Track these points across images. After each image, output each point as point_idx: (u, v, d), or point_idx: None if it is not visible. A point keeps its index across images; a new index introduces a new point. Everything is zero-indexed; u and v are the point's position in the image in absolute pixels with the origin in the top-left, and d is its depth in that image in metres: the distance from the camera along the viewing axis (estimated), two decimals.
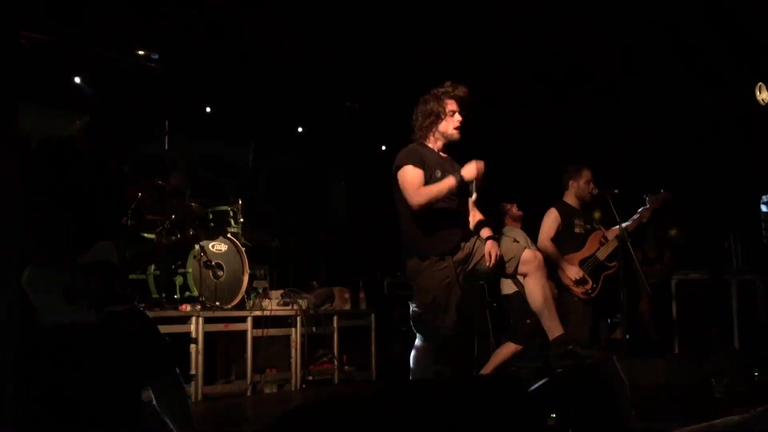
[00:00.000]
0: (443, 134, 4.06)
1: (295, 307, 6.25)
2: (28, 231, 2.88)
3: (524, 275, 4.03)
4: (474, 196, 4.03)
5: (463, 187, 3.92)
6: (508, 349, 5.49)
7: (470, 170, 3.89)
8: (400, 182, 3.93)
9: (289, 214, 7.97)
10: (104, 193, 3.16)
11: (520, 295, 5.58)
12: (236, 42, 6.50)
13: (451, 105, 4.03)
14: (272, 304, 6.15)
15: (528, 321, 5.49)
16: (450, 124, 4.03)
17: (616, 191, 5.47)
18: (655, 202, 5.56)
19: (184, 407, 3.15)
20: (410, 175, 3.92)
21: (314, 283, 6.82)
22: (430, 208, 3.92)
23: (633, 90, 7.52)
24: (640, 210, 5.57)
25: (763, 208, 7.33)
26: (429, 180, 3.95)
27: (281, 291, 6.39)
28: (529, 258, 4.01)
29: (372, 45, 6.69)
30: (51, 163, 3.06)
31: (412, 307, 4.03)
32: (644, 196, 5.61)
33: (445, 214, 3.99)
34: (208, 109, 7.52)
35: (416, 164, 3.94)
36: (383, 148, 9.09)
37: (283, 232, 7.25)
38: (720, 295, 6.36)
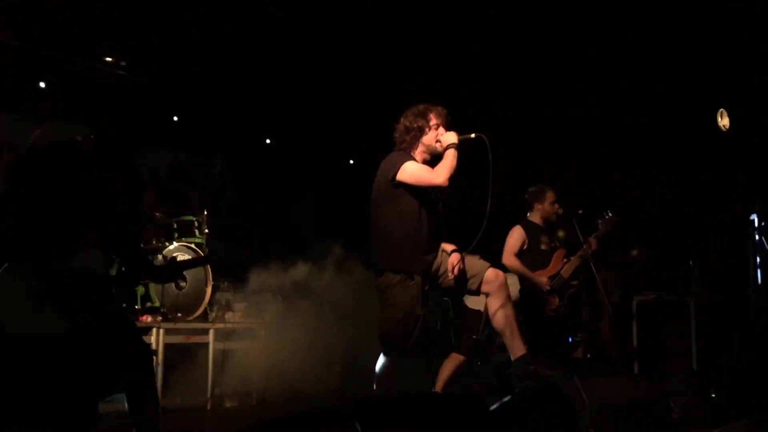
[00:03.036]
0: (428, 147, 4.12)
1: (259, 320, 6.20)
2: (9, 232, 2.83)
3: (486, 294, 4.07)
4: (473, 135, 4.09)
5: (459, 150, 4.00)
6: (452, 361, 5.55)
7: (451, 135, 4.03)
8: (409, 178, 3.98)
9: (255, 227, 7.92)
10: (97, 200, 3.09)
11: (474, 312, 5.66)
12: (205, 50, 6.48)
13: (435, 119, 4.10)
14: (235, 317, 6.10)
15: (474, 337, 5.57)
16: (434, 137, 4.09)
17: (580, 212, 5.54)
18: (606, 225, 5.66)
19: (156, 419, 3.11)
20: (417, 167, 4.01)
21: (279, 296, 6.77)
22: (408, 222, 3.97)
23: (599, 110, 7.64)
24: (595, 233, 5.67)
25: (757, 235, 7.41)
26: (415, 198, 4.00)
27: (245, 303, 6.33)
28: (491, 277, 4.05)
29: (342, 55, 6.71)
30: (45, 165, 3.00)
31: (380, 323, 4.03)
32: (597, 221, 5.70)
33: (424, 231, 4.03)
34: (175, 118, 7.45)
35: (413, 160, 4.04)
36: (351, 161, 9.11)
37: (249, 244, 7.19)
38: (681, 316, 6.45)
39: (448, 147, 4.00)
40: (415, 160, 4.07)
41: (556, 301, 5.47)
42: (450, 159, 3.96)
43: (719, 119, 6.37)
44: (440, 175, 3.93)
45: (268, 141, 8.40)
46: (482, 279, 4.05)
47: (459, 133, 4.06)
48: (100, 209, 3.08)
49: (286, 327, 6.30)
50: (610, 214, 5.67)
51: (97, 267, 2.96)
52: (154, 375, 3.15)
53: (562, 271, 5.55)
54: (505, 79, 7.14)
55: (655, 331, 6.52)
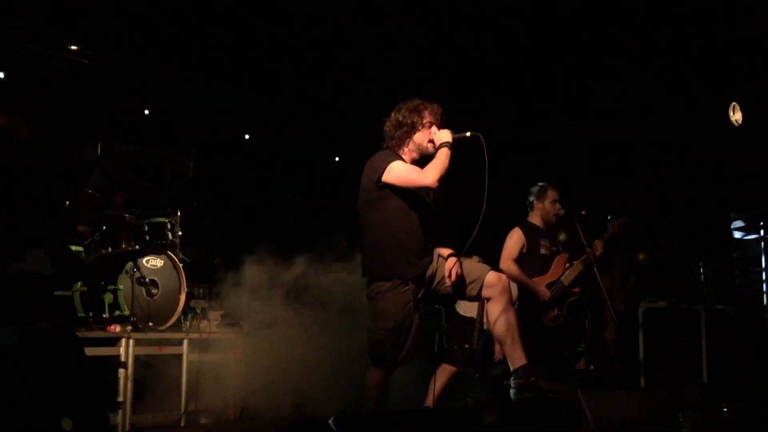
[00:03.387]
0: (418, 146, 4.11)
1: (237, 329, 6.17)
2: None
3: (487, 299, 4.05)
4: (469, 133, 4.07)
5: (453, 150, 3.99)
6: (443, 374, 5.55)
7: (445, 133, 4.01)
8: (395, 180, 3.96)
9: (232, 228, 7.89)
10: (41, 197, 3.07)
11: (467, 320, 5.66)
12: (178, 38, 6.45)
13: (429, 116, 4.09)
14: (211, 326, 6.06)
15: (467, 346, 5.56)
16: (426, 136, 4.08)
17: (583, 212, 5.54)
18: (616, 227, 5.67)
19: None
20: (404, 167, 3.99)
21: (259, 304, 6.75)
22: (397, 226, 3.96)
23: (604, 108, 7.68)
24: (603, 236, 5.68)
25: (737, 234, 7.46)
26: (404, 200, 3.99)
27: (221, 312, 6.30)
28: (493, 281, 4.03)
29: (323, 45, 6.71)
30: None
31: (369, 332, 4.03)
32: (607, 219, 5.71)
33: (415, 234, 4.02)
34: (146, 112, 7.43)
35: (400, 159, 4.01)
36: (336, 159, 9.10)
37: (226, 247, 7.17)
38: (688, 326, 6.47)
39: (441, 146, 3.99)
40: (402, 159, 4.06)
41: (554, 310, 5.48)
42: (442, 159, 3.95)
43: (731, 114, 6.40)
44: (429, 175, 3.92)
45: (246, 137, 8.36)
46: (483, 283, 4.04)
47: (453, 131, 4.06)
48: (37, 205, 3.06)
49: (268, 336, 6.28)
50: (620, 216, 5.68)
51: (43, 270, 2.94)
52: (99, 391, 3.12)
53: (562, 278, 5.56)
54: (504, 74, 7.17)
55: (664, 342, 6.53)
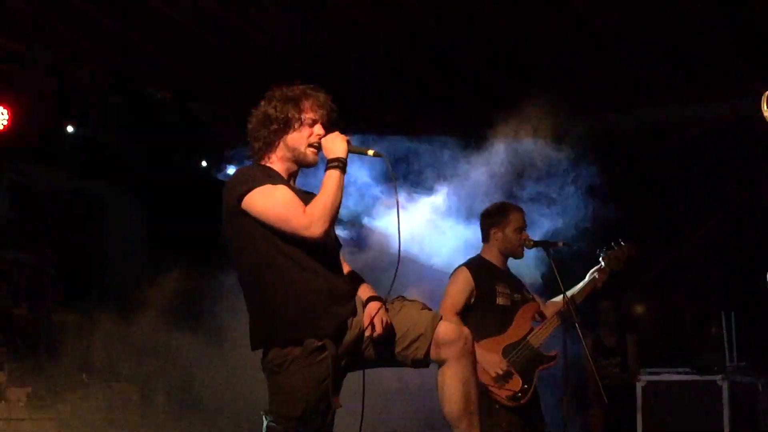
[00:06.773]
0: (292, 151, 3.99)
1: (53, 413, 6.09)
2: None
3: (441, 362, 3.94)
4: (371, 151, 4.00)
5: (345, 170, 3.88)
6: None
7: (338, 142, 3.92)
8: (261, 215, 3.81)
9: (47, 263, 7.76)
10: None
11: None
12: None
13: (310, 112, 3.99)
14: (14, 409, 6.01)
15: None
16: (303, 138, 3.99)
17: (560, 244, 5.61)
18: (614, 261, 5.75)
19: None
20: (278, 198, 3.81)
21: (84, 376, 6.67)
22: (293, 263, 3.82)
23: (589, 99, 7.86)
24: (592, 271, 5.76)
25: None
26: (271, 239, 3.88)
27: (29, 389, 6.25)
28: (450, 336, 3.86)
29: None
30: None
31: (268, 422, 3.87)
32: (597, 252, 5.79)
33: (317, 270, 3.89)
34: None
35: (272, 182, 3.84)
36: (204, 164, 9.06)
37: (38, 292, 7.07)
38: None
39: (330, 165, 3.89)
40: (273, 171, 3.96)
41: (518, 383, 5.50)
42: (331, 190, 3.83)
43: (764, 107, 6.61)
44: (315, 221, 3.75)
45: (70, 129, 8.23)
46: (432, 340, 3.87)
47: (350, 141, 3.94)
48: None
49: (96, 421, 6.21)
50: (622, 244, 5.77)
51: None
52: None
53: (529, 337, 5.56)
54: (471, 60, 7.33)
55: (671, 428, 6.66)
